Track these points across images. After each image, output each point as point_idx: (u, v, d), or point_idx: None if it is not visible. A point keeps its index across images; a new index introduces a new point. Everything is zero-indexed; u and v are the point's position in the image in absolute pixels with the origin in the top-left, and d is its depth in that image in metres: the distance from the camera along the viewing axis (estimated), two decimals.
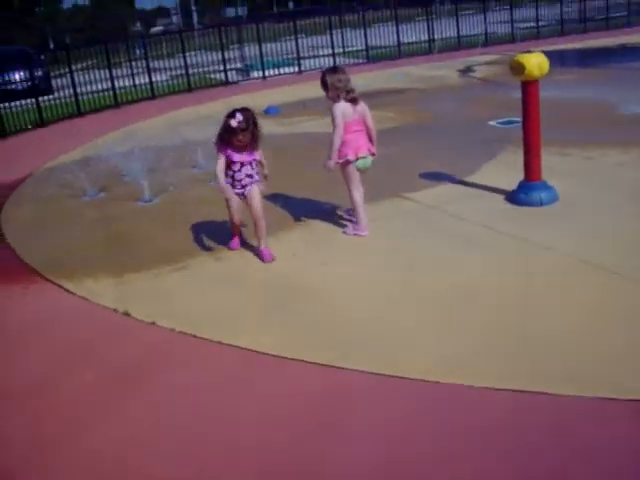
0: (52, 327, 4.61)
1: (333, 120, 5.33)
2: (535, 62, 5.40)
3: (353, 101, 5.31)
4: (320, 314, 4.23)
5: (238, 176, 5.20)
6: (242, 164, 5.18)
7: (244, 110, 5.11)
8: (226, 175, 5.21)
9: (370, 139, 5.43)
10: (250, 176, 5.24)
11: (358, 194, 5.47)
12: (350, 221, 5.75)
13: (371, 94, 13.03)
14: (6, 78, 16.81)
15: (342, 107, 5.28)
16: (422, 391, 3.32)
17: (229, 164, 5.18)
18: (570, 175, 6.44)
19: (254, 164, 5.26)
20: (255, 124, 5.11)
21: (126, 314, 4.56)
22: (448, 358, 3.56)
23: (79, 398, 3.65)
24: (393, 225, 5.61)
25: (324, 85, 5.36)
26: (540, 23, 22.88)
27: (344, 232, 5.62)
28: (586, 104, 9.96)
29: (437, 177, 6.83)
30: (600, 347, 3.50)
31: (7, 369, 4.13)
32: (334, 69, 5.52)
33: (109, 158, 8.90)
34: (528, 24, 23.04)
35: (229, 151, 5.13)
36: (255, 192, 5.24)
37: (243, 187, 5.23)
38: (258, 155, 5.29)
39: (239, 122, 5.00)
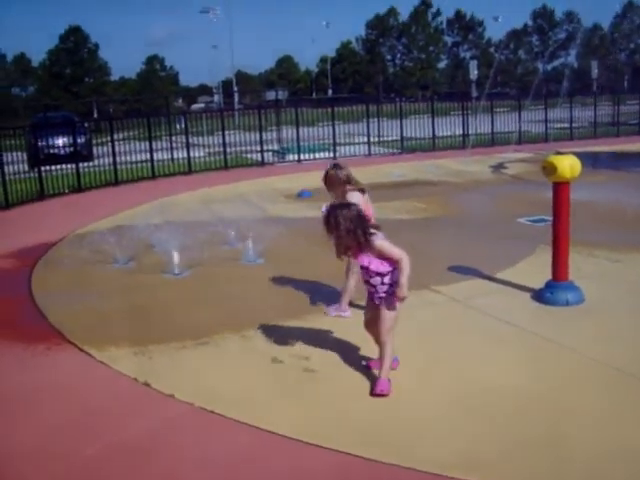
0: (69, 390, 4.62)
1: None
2: (567, 164, 5.43)
3: (362, 191, 5.63)
4: (337, 401, 4.21)
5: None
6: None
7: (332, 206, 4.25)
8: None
9: None
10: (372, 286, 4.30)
11: (353, 281, 5.66)
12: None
13: (404, 184, 13.25)
14: (50, 143, 17.32)
15: (356, 195, 5.56)
16: None
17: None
18: (598, 277, 6.43)
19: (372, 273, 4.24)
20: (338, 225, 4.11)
21: (146, 384, 4.56)
22: (464, 455, 3.50)
23: (87, 467, 3.63)
24: (417, 317, 5.54)
25: (330, 182, 5.68)
26: (574, 124, 23.19)
27: (325, 313, 5.81)
28: (616, 207, 9.98)
29: (465, 271, 6.83)
30: (617, 451, 3.44)
31: (15, 428, 4.12)
32: (338, 166, 5.79)
33: (141, 228, 9.07)
34: (562, 125, 23.34)
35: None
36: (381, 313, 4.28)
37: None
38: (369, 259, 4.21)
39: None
